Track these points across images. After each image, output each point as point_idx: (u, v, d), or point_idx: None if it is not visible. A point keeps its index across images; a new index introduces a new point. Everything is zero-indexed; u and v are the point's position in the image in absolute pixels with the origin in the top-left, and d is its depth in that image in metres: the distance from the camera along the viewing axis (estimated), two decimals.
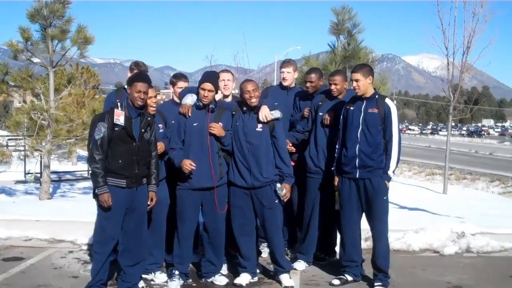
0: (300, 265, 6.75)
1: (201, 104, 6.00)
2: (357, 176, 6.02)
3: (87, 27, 11.61)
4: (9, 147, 13.86)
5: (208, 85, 5.95)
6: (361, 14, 12.74)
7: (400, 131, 6.07)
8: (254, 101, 6.00)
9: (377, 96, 6.04)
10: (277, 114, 6.10)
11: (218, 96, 6.46)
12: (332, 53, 12.59)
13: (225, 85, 6.55)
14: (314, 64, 11.98)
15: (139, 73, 5.88)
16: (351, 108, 6.08)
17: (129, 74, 6.62)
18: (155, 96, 6.11)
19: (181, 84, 6.67)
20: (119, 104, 5.61)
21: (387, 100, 6.02)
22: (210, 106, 6.01)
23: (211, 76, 6.14)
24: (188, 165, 5.84)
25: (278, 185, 6.01)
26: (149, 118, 5.69)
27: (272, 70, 40.79)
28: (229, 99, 6.63)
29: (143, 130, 5.60)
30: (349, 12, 12.52)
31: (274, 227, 6.15)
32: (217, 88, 6.11)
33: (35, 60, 11.78)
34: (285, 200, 6.12)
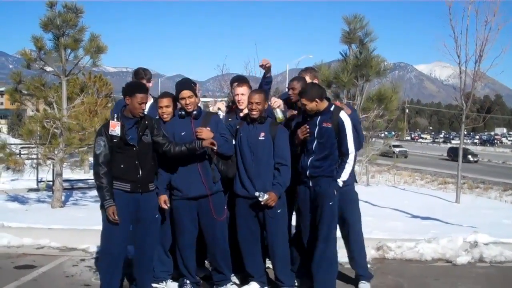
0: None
1: (183, 112, 5.99)
2: (310, 184, 6.01)
3: (99, 36, 11.70)
4: (21, 155, 13.94)
5: (186, 93, 5.92)
6: (373, 23, 12.77)
7: (357, 142, 5.99)
8: (254, 113, 5.97)
9: (332, 109, 5.98)
10: (279, 114, 6.11)
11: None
12: (344, 61, 12.62)
13: (238, 100, 6.44)
14: (326, 73, 12.00)
15: (139, 84, 5.78)
16: (307, 119, 6.08)
17: None
18: (167, 106, 6.09)
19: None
20: (115, 115, 5.61)
21: (342, 114, 5.93)
22: (194, 113, 5.98)
23: (185, 83, 6.07)
24: (162, 202, 5.88)
25: (261, 193, 5.80)
26: (146, 122, 5.65)
27: (283, 79, 40.88)
28: (243, 113, 6.46)
29: (141, 134, 5.58)
30: (361, 21, 12.55)
31: (277, 237, 6.06)
32: (195, 92, 6.03)
33: (48, 69, 11.87)
34: (270, 207, 5.87)
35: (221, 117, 6.60)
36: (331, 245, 5.92)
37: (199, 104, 6.22)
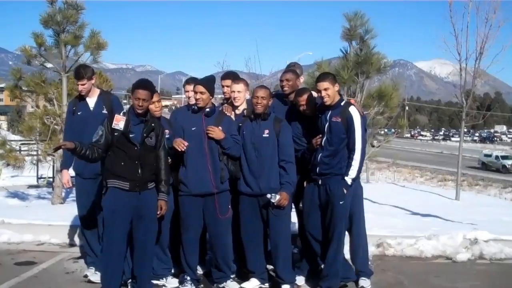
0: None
1: (196, 107, 6.01)
2: (320, 182, 5.96)
3: (100, 32, 11.67)
4: (22, 152, 13.93)
5: (199, 87, 5.95)
6: (373, 19, 12.72)
7: (364, 139, 5.88)
8: (259, 107, 5.97)
9: (342, 104, 5.91)
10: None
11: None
12: (344, 58, 12.57)
13: (235, 97, 6.41)
14: (326, 70, 11.97)
15: (142, 80, 5.78)
16: (320, 115, 6.07)
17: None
18: (158, 101, 6.16)
19: (189, 88, 6.68)
20: (122, 112, 5.70)
21: (351, 109, 5.84)
22: (206, 110, 6.00)
23: (203, 80, 6.13)
24: (179, 143, 5.86)
25: (273, 194, 5.79)
26: (153, 124, 5.66)
27: None
28: (240, 110, 6.45)
29: (145, 135, 5.58)
30: (362, 18, 12.50)
31: (279, 235, 6.06)
32: (210, 91, 6.03)
33: (48, 65, 11.84)
34: (283, 208, 5.89)
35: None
36: (342, 244, 5.93)
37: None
